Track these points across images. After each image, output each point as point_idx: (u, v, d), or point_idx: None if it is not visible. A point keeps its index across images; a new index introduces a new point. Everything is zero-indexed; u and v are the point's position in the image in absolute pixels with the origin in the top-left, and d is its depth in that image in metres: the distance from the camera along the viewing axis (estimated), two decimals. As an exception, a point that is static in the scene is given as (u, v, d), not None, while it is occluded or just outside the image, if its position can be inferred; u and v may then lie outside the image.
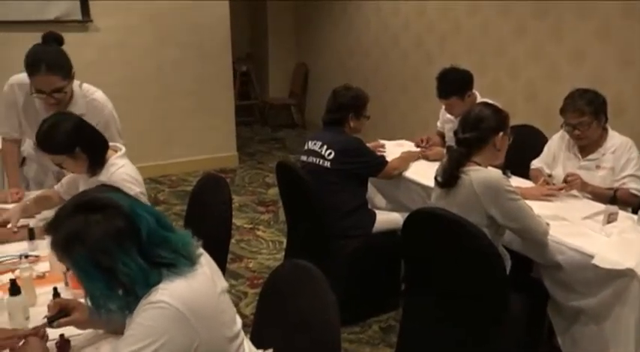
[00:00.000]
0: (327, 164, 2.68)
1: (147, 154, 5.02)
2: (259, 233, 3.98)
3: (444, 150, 2.65)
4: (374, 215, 2.79)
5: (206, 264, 1.27)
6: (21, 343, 1.31)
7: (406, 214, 2.21)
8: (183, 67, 5.08)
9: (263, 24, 7.08)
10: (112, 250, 1.13)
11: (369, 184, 2.92)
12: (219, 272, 1.33)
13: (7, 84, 2.43)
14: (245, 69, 7.16)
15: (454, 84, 2.95)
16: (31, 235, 1.98)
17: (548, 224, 2.08)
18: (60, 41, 2.27)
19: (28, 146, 2.58)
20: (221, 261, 1.84)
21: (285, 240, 3.30)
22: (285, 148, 6.31)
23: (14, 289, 1.49)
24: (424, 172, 2.79)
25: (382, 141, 3.37)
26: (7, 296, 1.50)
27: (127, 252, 1.13)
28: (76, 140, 1.94)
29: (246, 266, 3.47)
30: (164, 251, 1.18)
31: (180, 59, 5.04)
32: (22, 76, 2.30)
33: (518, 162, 2.62)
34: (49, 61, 2.15)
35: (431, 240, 2.06)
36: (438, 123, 3.42)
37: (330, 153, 2.68)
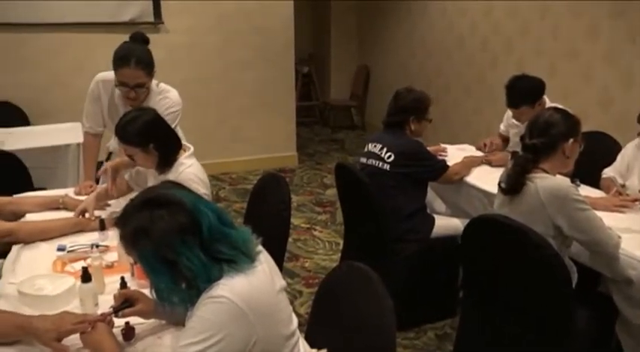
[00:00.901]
0: (387, 167, 2.66)
1: (210, 152, 5.16)
2: (316, 233, 4.01)
3: (509, 156, 2.56)
4: (433, 219, 2.75)
5: (265, 261, 1.30)
6: (90, 328, 1.38)
7: (466, 220, 2.16)
8: (248, 68, 5.20)
9: (326, 26, 7.13)
10: (176, 245, 1.17)
11: (429, 188, 2.88)
12: (277, 271, 1.35)
13: (93, 81, 2.58)
14: (307, 70, 7.23)
15: (525, 93, 2.80)
16: (102, 226, 2.09)
17: (619, 237, 1.97)
18: (146, 41, 2.43)
19: (114, 141, 2.71)
20: (279, 259, 1.87)
21: (341, 242, 3.31)
22: (344, 149, 6.32)
23: (86, 276, 1.57)
24: (486, 178, 2.72)
25: (444, 145, 3.31)
26: (79, 282, 1.59)
27: (190, 247, 1.17)
28: (151, 136, 2.03)
29: (302, 265, 3.50)
30: (224, 247, 1.21)
31: (244, 60, 5.16)
32: (107, 74, 2.46)
33: (588, 170, 2.50)
34: (138, 57, 2.30)
35: (492, 248, 2.00)
36: (502, 126, 3.31)
37: (389, 156, 2.66)
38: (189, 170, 2.08)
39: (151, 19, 4.68)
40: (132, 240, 1.21)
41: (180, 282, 1.19)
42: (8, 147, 3.20)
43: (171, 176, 2.04)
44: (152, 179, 2.17)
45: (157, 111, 2.17)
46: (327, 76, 7.31)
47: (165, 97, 2.50)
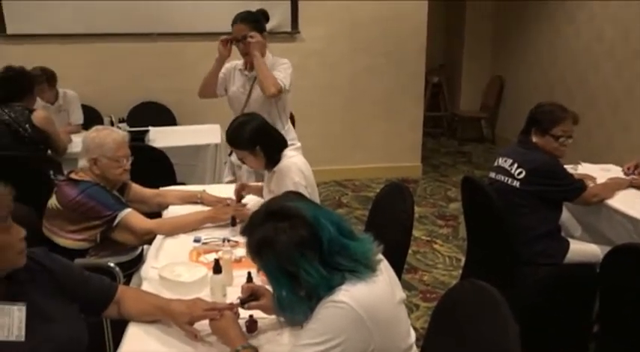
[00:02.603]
0: (517, 184, 2.52)
1: (334, 157, 5.28)
2: (436, 246, 3.91)
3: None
4: (567, 243, 2.55)
5: (385, 271, 1.30)
6: (219, 316, 1.48)
7: (607, 247, 1.98)
8: (376, 75, 5.22)
9: (459, 35, 6.94)
10: (296, 258, 1.20)
11: (564, 209, 2.67)
12: (397, 281, 1.35)
13: (225, 66, 3.09)
14: (437, 80, 7.09)
15: None
16: (233, 222, 2.23)
17: None
18: (266, 16, 3.03)
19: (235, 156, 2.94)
20: (398, 269, 1.85)
21: (463, 258, 3.19)
22: (471, 163, 6.09)
23: (217, 268, 1.68)
24: (632, 202, 2.47)
25: (585, 164, 3.06)
26: (210, 273, 1.71)
27: (309, 261, 1.20)
28: (258, 140, 2.22)
29: (421, 278, 3.44)
30: (344, 259, 1.23)
31: (373, 67, 5.20)
32: (237, 62, 3.05)
33: None
34: (242, 16, 2.92)
35: (637, 281, 1.80)
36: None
37: (520, 173, 2.51)
38: (290, 160, 2.27)
39: (289, 28, 4.91)
40: (256, 251, 1.27)
41: (300, 292, 1.23)
42: (158, 144, 3.55)
43: (276, 167, 2.26)
44: (267, 176, 2.37)
45: (261, 117, 2.36)
46: (458, 86, 7.11)
47: (282, 62, 2.95)
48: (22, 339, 1.32)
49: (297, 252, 1.20)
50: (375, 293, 1.19)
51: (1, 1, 4.52)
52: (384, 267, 1.31)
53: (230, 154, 3.04)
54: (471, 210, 2.79)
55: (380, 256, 1.31)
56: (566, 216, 2.76)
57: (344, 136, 5.33)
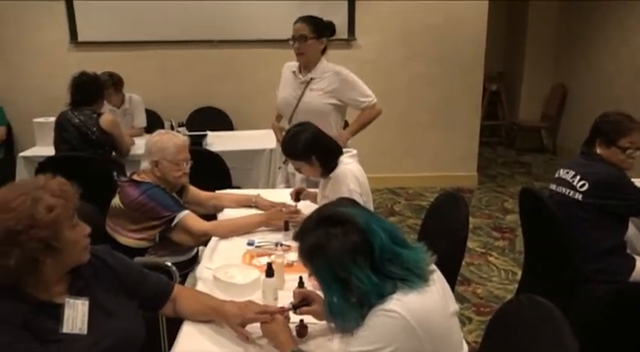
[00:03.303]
0: (579, 197, 2.41)
1: (387, 165, 5.25)
2: (491, 259, 3.80)
3: None
4: (633, 261, 2.42)
5: (438, 281, 1.28)
6: (270, 319, 1.50)
7: (678, 267, 1.86)
8: (432, 83, 5.17)
9: (520, 43, 6.76)
10: (347, 264, 1.20)
11: (630, 225, 2.54)
12: (450, 293, 1.32)
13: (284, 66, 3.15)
14: (495, 88, 6.92)
15: None
16: (286, 226, 2.26)
17: None
18: (332, 28, 3.04)
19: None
20: (451, 281, 1.81)
21: (519, 272, 3.09)
22: (529, 174, 5.90)
23: (269, 271, 1.70)
24: None
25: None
26: (263, 276, 1.73)
27: (361, 267, 1.20)
28: (312, 149, 2.22)
29: (474, 291, 3.35)
30: (396, 267, 1.22)
31: (429, 75, 5.14)
32: (293, 63, 3.08)
33: None
34: (304, 17, 2.93)
35: None
36: None
37: (582, 185, 2.41)
38: (346, 167, 2.27)
39: (345, 36, 4.94)
40: (308, 256, 1.28)
41: (352, 299, 1.23)
42: (215, 148, 3.65)
43: (332, 173, 2.26)
44: (322, 183, 2.39)
45: (314, 126, 2.34)
46: (517, 94, 6.91)
47: (337, 72, 2.95)
48: (85, 332, 1.38)
49: (349, 258, 1.20)
50: (427, 303, 1.18)
51: (75, 11, 4.78)
52: (437, 278, 1.29)
53: (285, 162, 3.08)
54: (529, 222, 2.69)
55: (433, 266, 1.29)
56: (632, 231, 2.62)
57: (398, 144, 5.29)
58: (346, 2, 4.90)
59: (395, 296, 1.18)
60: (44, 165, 3.07)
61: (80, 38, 4.87)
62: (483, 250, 3.94)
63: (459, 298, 3.21)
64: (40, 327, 1.31)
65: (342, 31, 4.92)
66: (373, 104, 3.00)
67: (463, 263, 3.50)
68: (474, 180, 5.45)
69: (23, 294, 1.32)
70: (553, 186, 2.58)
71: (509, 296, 3.20)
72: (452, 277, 1.98)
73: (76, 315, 1.38)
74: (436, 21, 5.02)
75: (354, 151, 2.36)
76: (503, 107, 7.05)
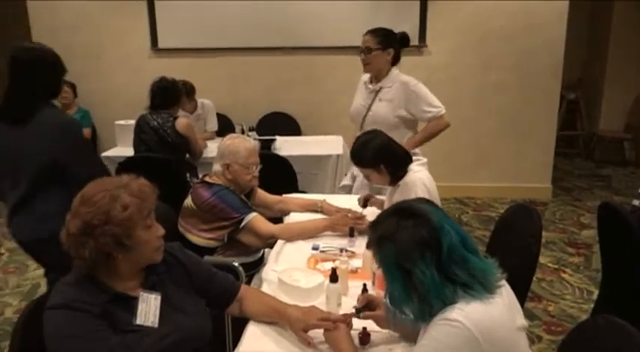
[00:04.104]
0: (666, 214, 2.25)
1: (455, 174, 5.13)
2: (565, 276, 3.62)
3: None
4: None
5: (506, 295, 1.23)
6: (332, 327, 1.50)
7: None
8: (505, 90, 5.01)
9: (602, 48, 6.41)
10: (414, 256, 1.19)
11: None
12: (519, 308, 1.27)
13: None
14: (573, 96, 6.60)
15: None
16: (351, 232, 2.26)
17: None
18: (405, 39, 3.06)
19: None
20: (521, 296, 1.74)
21: (595, 290, 2.92)
22: (609, 188, 5.56)
23: (334, 277, 1.71)
24: None
25: None
26: (327, 281, 1.74)
27: (426, 262, 1.18)
28: (381, 158, 2.22)
29: (545, 308, 3.20)
30: (461, 271, 1.19)
31: (502, 82, 4.99)
32: (367, 76, 3.10)
33: None
34: (371, 29, 2.97)
35: None
36: None
37: (670, 201, 2.25)
38: (415, 175, 2.26)
39: (416, 42, 4.88)
40: (378, 244, 1.27)
41: (413, 293, 1.21)
42: (283, 152, 3.71)
43: (401, 181, 2.26)
44: (389, 191, 2.39)
45: (383, 134, 2.33)
46: (598, 103, 6.55)
47: (404, 83, 2.94)
48: (156, 325, 1.44)
49: (417, 251, 1.19)
50: (491, 314, 1.14)
51: (156, 19, 5.04)
52: (505, 291, 1.24)
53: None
54: (608, 239, 2.54)
55: (502, 282, 1.25)
56: None
57: (467, 153, 5.17)
58: (418, 2, 4.85)
59: (457, 305, 1.15)
60: (124, 165, 3.25)
61: (160, 45, 5.11)
62: (556, 266, 3.76)
63: (529, 314, 3.08)
64: (116, 317, 1.39)
65: (413, 38, 4.87)
66: (440, 115, 2.94)
67: (534, 278, 3.36)
68: (547, 192, 5.21)
69: (101, 284, 1.40)
70: (636, 202, 2.43)
71: (584, 316, 3.03)
72: (522, 292, 1.91)
73: (148, 309, 1.45)
74: (510, 27, 4.87)
75: (425, 159, 2.33)
76: (581, 116, 6.71)
